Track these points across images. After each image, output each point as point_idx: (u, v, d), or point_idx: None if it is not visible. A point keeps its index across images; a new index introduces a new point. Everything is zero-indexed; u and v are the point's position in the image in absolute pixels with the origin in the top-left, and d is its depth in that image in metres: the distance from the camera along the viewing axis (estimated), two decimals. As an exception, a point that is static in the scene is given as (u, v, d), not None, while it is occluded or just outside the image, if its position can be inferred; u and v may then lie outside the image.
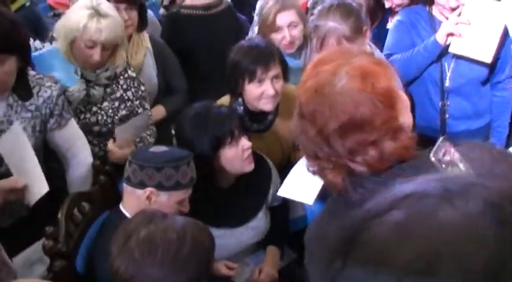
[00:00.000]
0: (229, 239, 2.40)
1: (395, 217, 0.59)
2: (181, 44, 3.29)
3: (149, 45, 3.04)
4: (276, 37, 2.87)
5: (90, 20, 2.44)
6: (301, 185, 2.28)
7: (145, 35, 3.05)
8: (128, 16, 2.86)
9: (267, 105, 2.53)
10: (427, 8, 2.66)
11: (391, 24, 3.29)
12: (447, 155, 1.18)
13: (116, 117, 2.66)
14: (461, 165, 1.17)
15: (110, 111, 2.65)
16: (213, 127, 2.29)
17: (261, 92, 2.50)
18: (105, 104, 2.64)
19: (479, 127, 2.63)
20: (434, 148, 1.18)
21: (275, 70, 2.49)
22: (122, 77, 2.69)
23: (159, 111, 3.04)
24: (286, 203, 2.55)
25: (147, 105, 2.79)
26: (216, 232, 2.29)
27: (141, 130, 2.64)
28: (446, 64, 2.57)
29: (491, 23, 2.41)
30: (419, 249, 0.54)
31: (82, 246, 2.15)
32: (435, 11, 2.62)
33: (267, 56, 2.49)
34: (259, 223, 2.48)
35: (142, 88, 2.77)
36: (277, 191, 2.43)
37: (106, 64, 2.59)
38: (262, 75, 2.47)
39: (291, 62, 2.78)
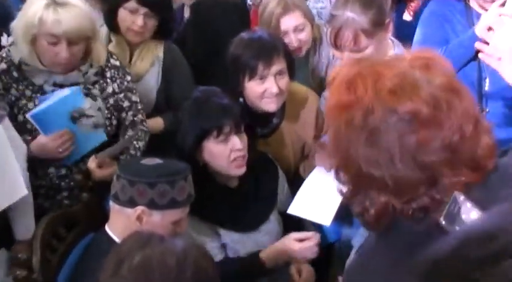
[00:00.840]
0: (246, 244, 2.16)
1: None
2: (213, 30, 2.94)
3: (161, 53, 2.70)
4: None
5: (45, 10, 2.14)
6: (315, 203, 2.04)
7: (158, 43, 2.72)
8: (143, 22, 2.56)
9: (270, 105, 2.28)
10: None
11: (407, 15, 3.03)
12: (461, 212, 1.04)
13: (113, 117, 2.39)
14: (474, 214, 1.03)
15: (106, 111, 2.38)
16: (204, 115, 2.07)
17: (263, 90, 2.25)
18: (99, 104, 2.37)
19: None
20: (445, 210, 1.02)
21: (279, 65, 2.24)
22: (107, 69, 2.41)
23: (156, 124, 2.69)
24: None
25: (134, 98, 2.48)
26: (233, 236, 2.14)
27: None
28: (485, 64, 2.32)
29: None
30: None
31: (61, 274, 1.90)
32: (473, 2, 2.34)
33: (269, 49, 2.24)
34: (274, 226, 2.25)
35: (128, 78, 2.47)
36: (285, 194, 2.27)
37: (88, 60, 2.31)
38: (264, 71, 2.23)
39: (297, 67, 2.52)
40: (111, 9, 2.59)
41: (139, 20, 2.55)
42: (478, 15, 2.30)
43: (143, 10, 2.55)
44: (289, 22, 2.59)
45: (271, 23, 2.58)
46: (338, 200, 2.08)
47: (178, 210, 1.84)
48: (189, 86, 2.72)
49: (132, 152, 2.41)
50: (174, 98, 2.72)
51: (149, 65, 2.67)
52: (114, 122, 2.40)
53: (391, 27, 2.17)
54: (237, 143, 2.07)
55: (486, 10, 2.25)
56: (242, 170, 2.11)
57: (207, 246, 2.00)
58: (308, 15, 2.66)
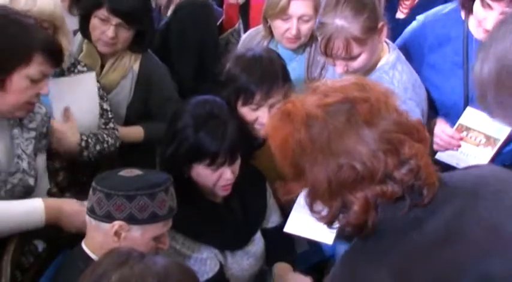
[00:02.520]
0: (231, 266, 2.05)
1: None
2: (204, 35, 2.89)
3: (136, 66, 2.53)
4: (280, 25, 2.47)
5: None
6: (312, 220, 1.94)
7: (135, 55, 2.55)
8: (114, 34, 2.39)
9: (258, 132, 2.17)
10: (463, 14, 2.22)
11: (400, 13, 2.87)
12: None
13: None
14: None
15: None
16: (201, 138, 1.94)
17: (255, 118, 2.14)
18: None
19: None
20: None
21: (277, 97, 2.12)
22: (72, 74, 2.27)
23: (136, 132, 2.54)
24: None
25: (105, 106, 2.35)
26: (219, 256, 2.04)
27: (84, 100, 2.25)
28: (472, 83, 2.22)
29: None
30: None
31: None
32: (472, 23, 2.20)
33: (271, 76, 2.12)
34: (258, 248, 2.14)
35: (98, 85, 2.34)
36: (270, 208, 2.19)
37: None
38: (261, 101, 2.12)
39: (291, 58, 2.42)
40: (84, 16, 2.44)
41: (109, 31, 2.39)
42: (476, 41, 2.18)
43: (115, 21, 2.38)
44: (299, 8, 2.45)
45: (280, 3, 2.42)
46: None
47: (159, 224, 1.73)
48: (170, 96, 2.61)
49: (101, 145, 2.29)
50: (154, 111, 2.59)
51: (120, 77, 2.50)
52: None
53: (385, 30, 2.07)
54: (227, 174, 1.97)
55: (478, 36, 2.17)
56: (227, 193, 2.03)
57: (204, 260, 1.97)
58: (317, 9, 2.47)
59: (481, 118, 2.14)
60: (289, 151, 1.20)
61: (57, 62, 1.89)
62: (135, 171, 1.77)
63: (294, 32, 2.45)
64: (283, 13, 2.44)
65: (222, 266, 2.04)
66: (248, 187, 2.12)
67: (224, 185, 1.99)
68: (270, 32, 2.56)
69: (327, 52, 2.01)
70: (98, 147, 2.25)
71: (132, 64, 2.53)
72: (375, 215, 1.15)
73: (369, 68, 2.10)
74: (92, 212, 1.72)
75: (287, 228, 2.02)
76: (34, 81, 1.80)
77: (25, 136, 1.91)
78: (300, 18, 2.45)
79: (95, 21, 2.42)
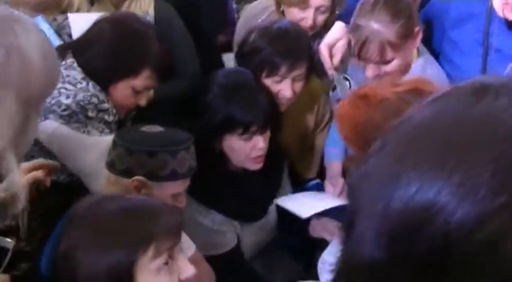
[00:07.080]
0: (247, 237, 2.09)
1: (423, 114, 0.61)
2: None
3: (151, 10, 2.40)
4: (296, 14, 2.34)
5: None
6: (304, 201, 2.09)
7: None
8: None
9: (279, 106, 2.15)
10: None
11: None
12: None
13: None
14: None
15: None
16: (233, 109, 1.94)
17: (277, 91, 2.11)
18: None
19: None
20: None
21: (300, 69, 2.10)
22: None
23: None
24: None
25: None
26: (237, 229, 2.07)
27: None
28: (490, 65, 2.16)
29: None
30: (435, 146, 0.55)
31: (47, 245, 1.75)
32: (496, 1, 2.10)
33: (297, 49, 2.09)
34: (272, 218, 2.18)
35: None
36: (284, 182, 2.24)
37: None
38: (285, 73, 2.09)
39: None
40: None
41: None
42: (500, 20, 2.14)
43: None
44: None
45: None
46: (327, 204, 2.09)
47: (178, 182, 1.73)
48: (187, 49, 2.49)
49: None
50: (174, 65, 2.43)
51: None
52: None
53: (420, 35, 2.02)
54: (260, 143, 1.97)
55: (506, 16, 2.09)
56: (259, 166, 2.02)
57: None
58: (335, 4, 2.41)
59: None
60: (360, 127, 1.37)
61: (163, 78, 2.01)
62: (157, 128, 1.75)
63: (311, 22, 2.33)
64: (303, 3, 2.33)
65: (239, 240, 2.06)
66: (268, 160, 2.10)
67: (256, 156, 1.99)
68: (281, 15, 2.43)
69: (361, 55, 1.96)
70: None
71: (147, 8, 2.39)
72: None
73: (401, 72, 2.06)
74: (111, 166, 1.70)
75: (278, 201, 2.10)
76: (136, 92, 1.91)
77: None
78: (317, 8, 2.33)
79: None
